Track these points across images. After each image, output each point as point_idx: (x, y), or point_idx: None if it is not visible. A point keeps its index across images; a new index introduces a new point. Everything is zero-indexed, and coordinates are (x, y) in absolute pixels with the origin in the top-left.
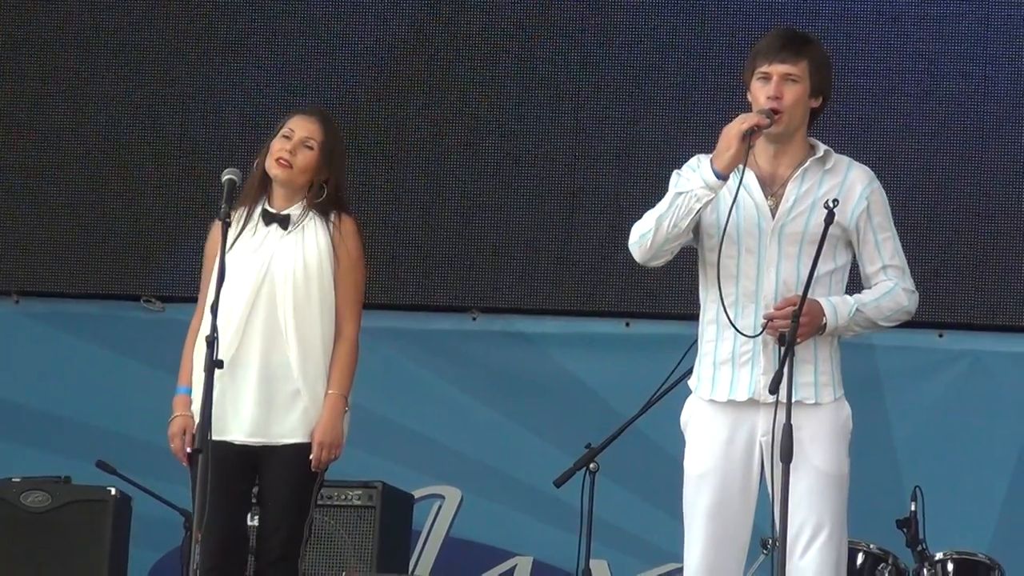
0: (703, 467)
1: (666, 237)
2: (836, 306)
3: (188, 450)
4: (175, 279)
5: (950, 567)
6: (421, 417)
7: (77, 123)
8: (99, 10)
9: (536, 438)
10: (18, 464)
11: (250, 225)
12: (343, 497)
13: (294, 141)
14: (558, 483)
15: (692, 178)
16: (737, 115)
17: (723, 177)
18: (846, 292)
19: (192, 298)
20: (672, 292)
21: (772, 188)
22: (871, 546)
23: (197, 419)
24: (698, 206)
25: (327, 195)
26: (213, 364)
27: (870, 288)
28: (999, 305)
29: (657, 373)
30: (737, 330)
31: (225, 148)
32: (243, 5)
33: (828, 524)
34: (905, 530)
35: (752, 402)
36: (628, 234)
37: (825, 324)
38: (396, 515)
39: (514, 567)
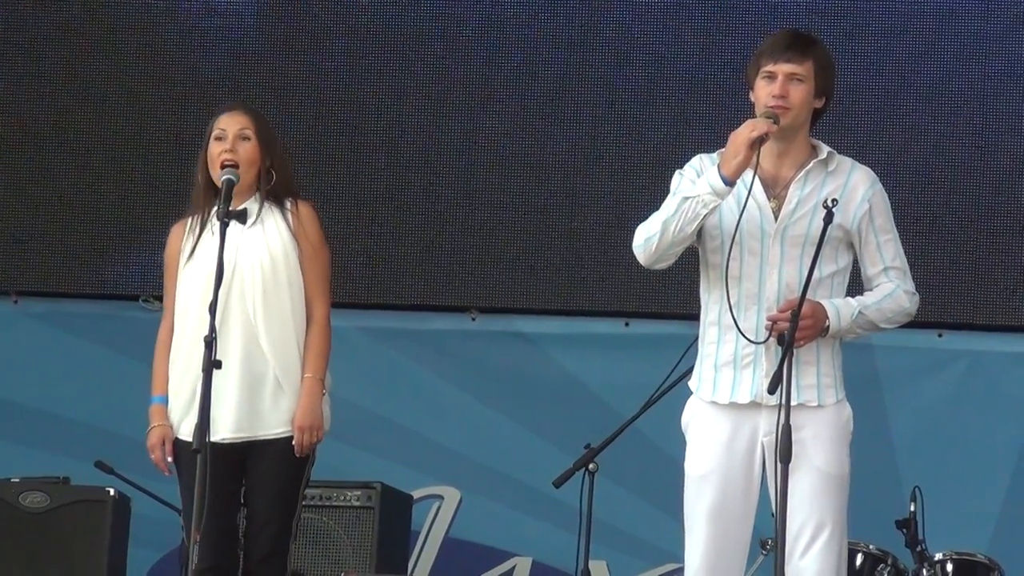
0: (704, 468)
1: (671, 241)
2: (839, 308)
3: (169, 459)
4: None
5: (949, 567)
6: (420, 417)
7: (75, 123)
8: (95, 8)
9: (535, 438)
10: (17, 464)
11: (207, 228)
12: (342, 498)
13: (230, 138)
14: (557, 483)
15: (698, 183)
16: (739, 115)
17: (730, 184)
18: (847, 294)
19: None
20: (671, 292)
21: (775, 190)
22: (870, 547)
23: (177, 425)
24: (705, 211)
25: (276, 180)
26: (212, 364)
27: (871, 290)
28: (998, 305)
29: (656, 373)
30: (743, 335)
31: None
32: (241, 3)
33: (829, 525)
34: (904, 530)
35: (754, 404)
36: (628, 234)
37: (828, 326)
38: (395, 516)
39: (513, 568)
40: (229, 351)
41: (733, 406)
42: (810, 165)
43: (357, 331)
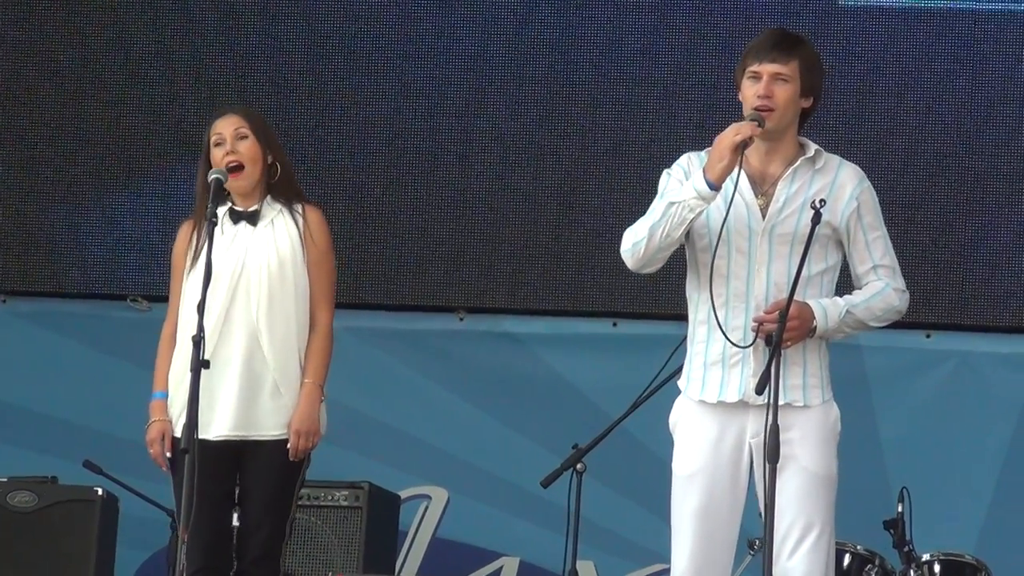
0: (692, 468)
1: (659, 246)
2: (826, 308)
3: (168, 455)
4: (161, 279)
5: (937, 568)
6: (408, 417)
7: (63, 122)
8: (93, 8)
9: (523, 438)
10: (4, 464)
11: (217, 226)
12: (330, 497)
13: (229, 140)
14: (545, 483)
15: (684, 187)
16: (725, 116)
17: (716, 188)
18: (836, 293)
19: None
20: (660, 292)
21: (762, 187)
22: (858, 547)
23: (176, 422)
24: (691, 216)
25: (280, 175)
26: (200, 364)
27: (860, 288)
28: (986, 306)
29: (645, 373)
30: (727, 338)
31: None
32: (240, 5)
33: (817, 525)
34: (892, 531)
35: (742, 403)
36: (616, 234)
37: (815, 327)
38: (383, 516)
39: (501, 568)
40: (232, 350)
41: (721, 405)
42: (797, 163)
43: (345, 331)
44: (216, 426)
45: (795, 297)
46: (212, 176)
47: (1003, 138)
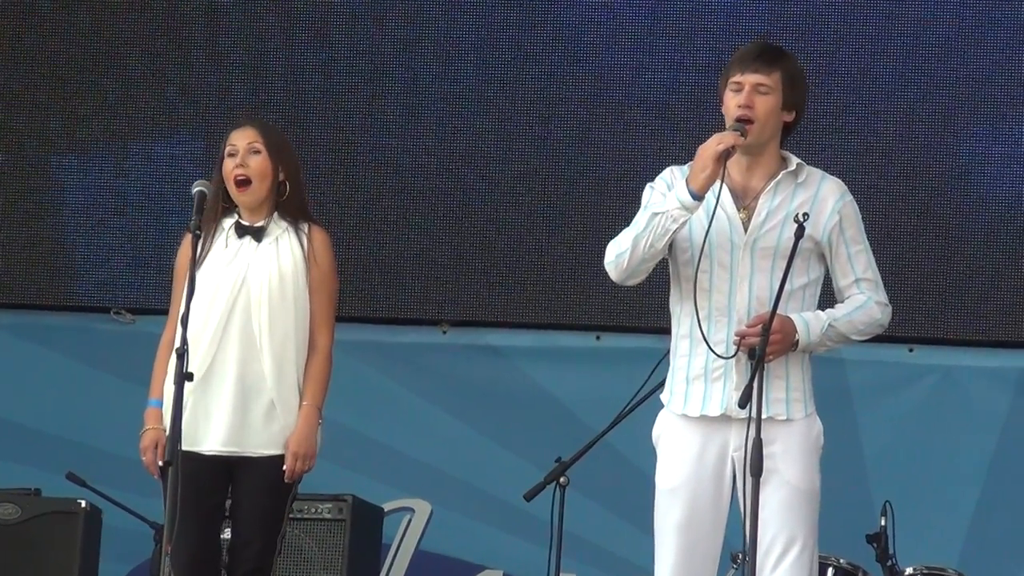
0: (674, 481)
1: (642, 257)
2: (808, 322)
3: (160, 463)
4: (145, 291)
5: None
6: (391, 430)
7: (45, 132)
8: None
9: (506, 452)
10: None
11: (221, 237)
12: (313, 510)
13: (241, 153)
14: (528, 497)
15: (668, 198)
16: (710, 128)
17: (699, 198)
18: (818, 306)
19: (163, 310)
20: (643, 306)
21: (744, 201)
22: (841, 561)
23: (168, 431)
24: (674, 227)
25: (289, 194)
26: (183, 376)
27: (843, 302)
28: (969, 320)
29: (628, 387)
30: (711, 349)
31: (197, 161)
32: (226, 15)
33: (800, 539)
34: (875, 545)
35: (724, 417)
36: (600, 247)
37: (798, 341)
38: (366, 528)
39: None
40: (226, 365)
41: (703, 419)
42: (779, 176)
43: None
44: (210, 440)
45: (777, 311)
46: (195, 189)
47: (985, 151)
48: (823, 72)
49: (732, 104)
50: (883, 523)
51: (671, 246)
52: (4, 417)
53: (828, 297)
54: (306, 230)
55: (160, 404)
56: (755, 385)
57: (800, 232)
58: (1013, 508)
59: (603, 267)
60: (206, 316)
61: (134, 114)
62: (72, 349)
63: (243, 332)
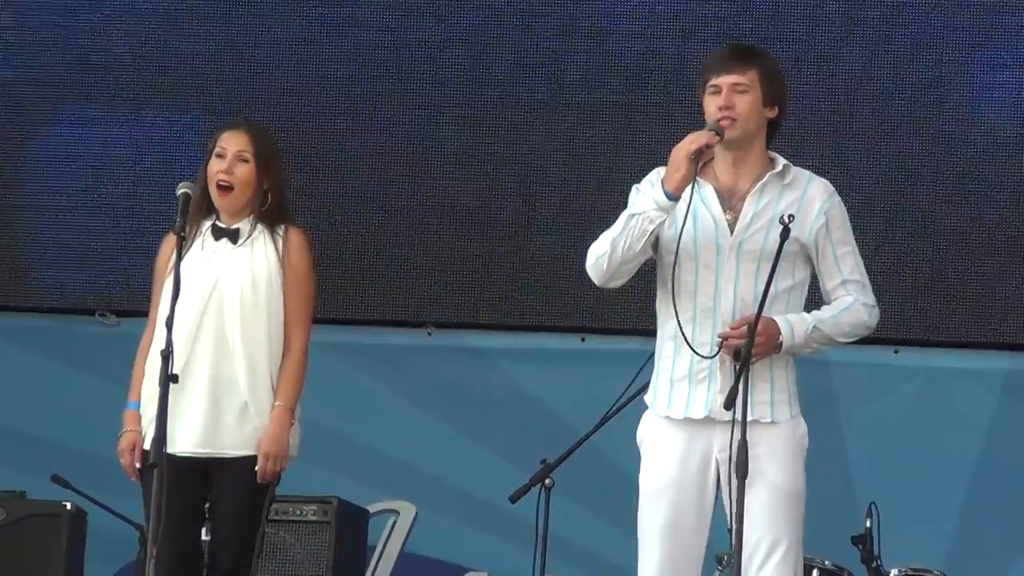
0: (658, 484)
1: (622, 259)
2: (793, 324)
3: (138, 465)
4: (130, 293)
5: None
6: (376, 433)
7: (32, 137)
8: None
9: (491, 454)
10: None
11: (198, 239)
12: (298, 512)
13: (229, 158)
14: (513, 499)
15: (645, 198)
16: (693, 130)
17: (675, 198)
18: (805, 308)
19: (147, 312)
20: (628, 308)
21: (731, 202)
22: (826, 562)
23: (145, 433)
24: (651, 227)
25: (271, 203)
26: (168, 378)
27: (829, 303)
28: (954, 322)
29: (612, 389)
30: (694, 350)
31: (182, 163)
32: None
33: (785, 541)
34: (860, 546)
35: (709, 420)
36: (585, 249)
37: (781, 343)
38: (351, 530)
39: None
40: (197, 366)
41: (687, 421)
42: (766, 178)
43: (313, 346)
44: (181, 442)
45: (762, 313)
46: (180, 191)
47: (971, 155)
48: (819, 72)
49: (712, 107)
50: (868, 524)
51: (657, 248)
52: None
53: (816, 300)
54: (282, 232)
55: (138, 406)
56: (740, 387)
57: (786, 234)
58: (998, 509)
59: (589, 276)
60: (180, 318)
61: (120, 115)
62: (57, 351)
63: (216, 334)
